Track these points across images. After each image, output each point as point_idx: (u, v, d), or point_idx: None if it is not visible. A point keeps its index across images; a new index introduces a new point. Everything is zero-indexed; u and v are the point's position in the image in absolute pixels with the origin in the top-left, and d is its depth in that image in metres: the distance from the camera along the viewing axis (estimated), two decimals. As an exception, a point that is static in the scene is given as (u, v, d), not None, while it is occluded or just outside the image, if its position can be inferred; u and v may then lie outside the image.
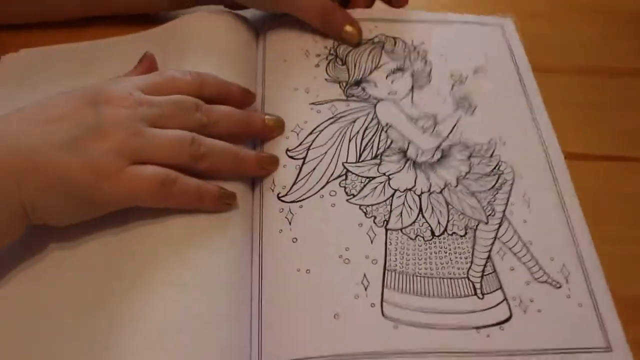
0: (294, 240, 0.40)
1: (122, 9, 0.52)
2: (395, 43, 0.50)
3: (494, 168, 0.43)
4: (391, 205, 0.42)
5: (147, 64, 0.45)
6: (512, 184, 0.42)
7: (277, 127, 0.45)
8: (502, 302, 0.38)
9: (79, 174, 0.35)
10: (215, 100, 0.43)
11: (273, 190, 0.43)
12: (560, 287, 0.38)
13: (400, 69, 0.48)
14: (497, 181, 0.43)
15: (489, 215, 0.41)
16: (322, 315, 0.37)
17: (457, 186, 0.42)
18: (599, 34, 0.51)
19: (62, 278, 0.38)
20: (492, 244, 0.40)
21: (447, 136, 0.45)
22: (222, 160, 0.41)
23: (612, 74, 0.48)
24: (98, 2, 0.51)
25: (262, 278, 0.39)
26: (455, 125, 0.45)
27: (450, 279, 0.39)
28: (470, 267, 0.39)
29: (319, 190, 0.42)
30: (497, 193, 0.42)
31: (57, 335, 0.35)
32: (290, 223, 0.41)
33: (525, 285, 0.38)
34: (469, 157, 0.44)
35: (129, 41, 0.51)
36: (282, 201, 0.42)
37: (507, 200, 0.42)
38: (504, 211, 0.41)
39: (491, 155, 0.44)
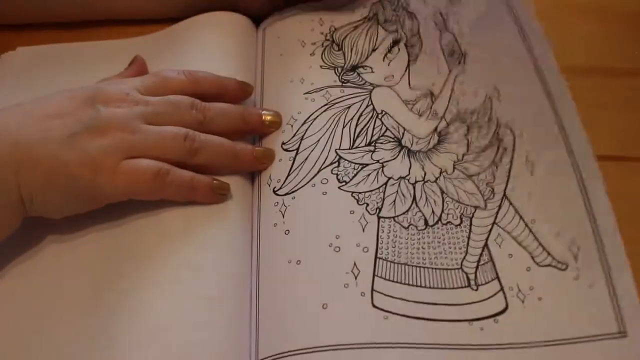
0: (287, 232, 0.40)
1: (122, 15, 0.52)
2: (383, 7, 0.48)
3: (493, 136, 0.40)
4: (384, 193, 0.40)
5: (137, 67, 0.45)
6: (513, 150, 0.39)
7: (275, 122, 0.44)
8: (497, 292, 0.36)
9: (77, 169, 0.36)
10: (212, 97, 0.43)
11: (269, 185, 0.42)
12: (565, 268, 0.35)
13: (396, 42, 0.46)
14: (496, 153, 0.39)
15: (488, 199, 0.39)
16: (311, 306, 0.36)
17: (453, 172, 0.40)
18: (599, 34, 0.49)
19: (60, 274, 0.38)
20: (490, 230, 0.38)
21: (444, 114, 0.42)
22: (217, 155, 0.41)
23: (612, 74, 0.46)
24: (98, 9, 0.51)
25: (259, 273, 0.39)
26: (451, 91, 0.42)
27: (444, 269, 0.37)
28: (464, 258, 0.37)
29: (310, 180, 0.41)
30: (496, 169, 0.39)
31: (54, 332, 0.36)
32: (283, 216, 0.40)
33: (525, 272, 0.36)
34: (466, 133, 0.41)
35: (128, 44, 0.51)
36: (277, 195, 0.42)
37: (509, 175, 0.39)
38: (505, 190, 0.38)
39: (489, 120, 0.40)
